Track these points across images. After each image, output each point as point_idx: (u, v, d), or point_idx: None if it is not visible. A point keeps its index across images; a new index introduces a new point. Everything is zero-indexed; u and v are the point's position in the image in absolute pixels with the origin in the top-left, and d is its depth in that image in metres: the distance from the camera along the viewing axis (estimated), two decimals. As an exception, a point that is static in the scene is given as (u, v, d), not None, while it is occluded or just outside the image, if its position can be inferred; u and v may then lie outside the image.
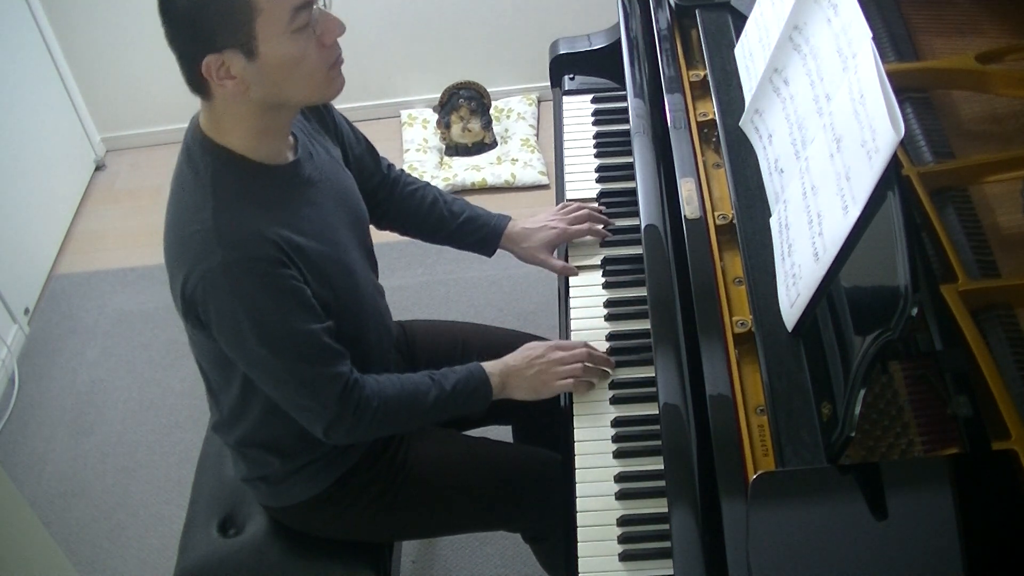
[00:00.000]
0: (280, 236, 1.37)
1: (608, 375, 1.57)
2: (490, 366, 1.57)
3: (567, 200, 1.86)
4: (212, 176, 1.37)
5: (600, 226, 1.78)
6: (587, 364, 1.56)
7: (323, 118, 1.60)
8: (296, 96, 1.38)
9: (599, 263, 1.74)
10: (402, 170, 1.80)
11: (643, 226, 1.58)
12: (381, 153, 1.77)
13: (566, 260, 1.77)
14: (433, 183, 3.13)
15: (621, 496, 1.43)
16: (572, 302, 1.70)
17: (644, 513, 1.40)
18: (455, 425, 1.80)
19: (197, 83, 1.34)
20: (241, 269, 1.34)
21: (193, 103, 1.41)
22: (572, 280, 1.73)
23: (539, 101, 3.46)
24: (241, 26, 1.27)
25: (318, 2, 1.33)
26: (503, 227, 1.78)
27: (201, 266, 1.34)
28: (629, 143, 1.76)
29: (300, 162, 1.45)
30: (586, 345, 1.59)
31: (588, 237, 1.78)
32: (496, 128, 3.36)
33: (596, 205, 1.82)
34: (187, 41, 1.29)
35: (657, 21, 1.82)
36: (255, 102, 1.35)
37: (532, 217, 1.80)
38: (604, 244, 1.77)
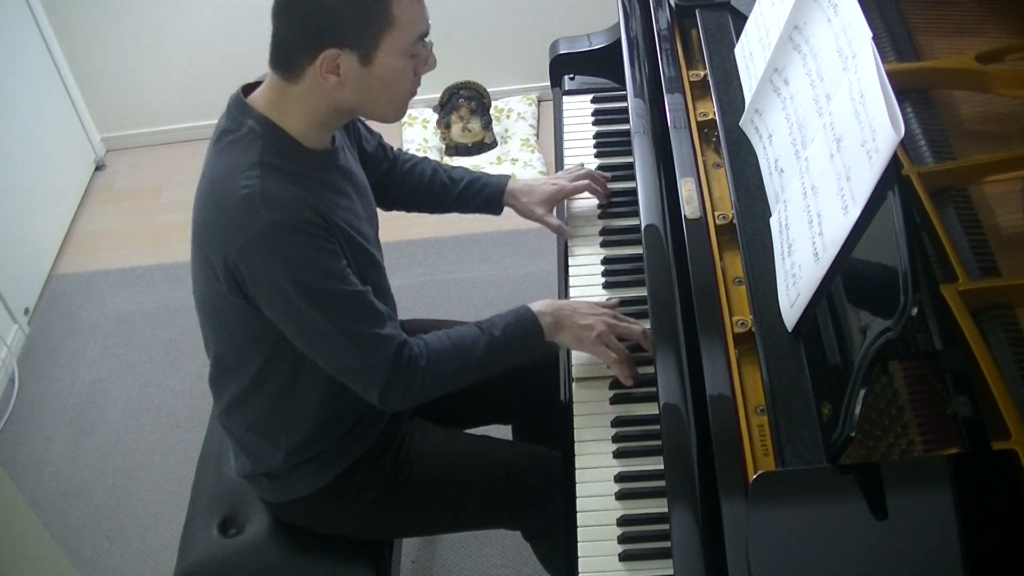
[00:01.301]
0: (322, 212, 1.39)
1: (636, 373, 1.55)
2: (541, 305, 1.56)
3: (567, 165, 1.90)
4: (262, 148, 1.39)
5: (600, 190, 1.82)
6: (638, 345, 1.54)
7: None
8: (372, 110, 1.44)
9: (599, 263, 1.74)
10: (399, 149, 1.83)
11: (643, 226, 1.58)
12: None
13: (566, 253, 1.77)
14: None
15: (621, 496, 1.43)
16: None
17: (644, 513, 1.40)
18: (457, 424, 1.80)
19: (294, 65, 1.36)
20: (290, 228, 1.35)
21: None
22: (572, 280, 1.73)
23: (539, 101, 3.46)
24: (372, 32, 1.33)
25: (429, 36, 1.41)
26: (504, 184, 1.81)
27: (247, 231, 1.35)
28: (629, 143, 1.76)
29: (338, 151, 1.49)
30: (644, 333, 1.55)
31: (585, 210, 1.81)
32: (496, 128, 3.36)
33: (598, 171, 1.86)
34: (315, 26, 1.32)
35: (657, 21, 1.82)
36: (333, 101, 1.39)
37: (533, 178, 1.85)
38: (604, 244, 1.78)
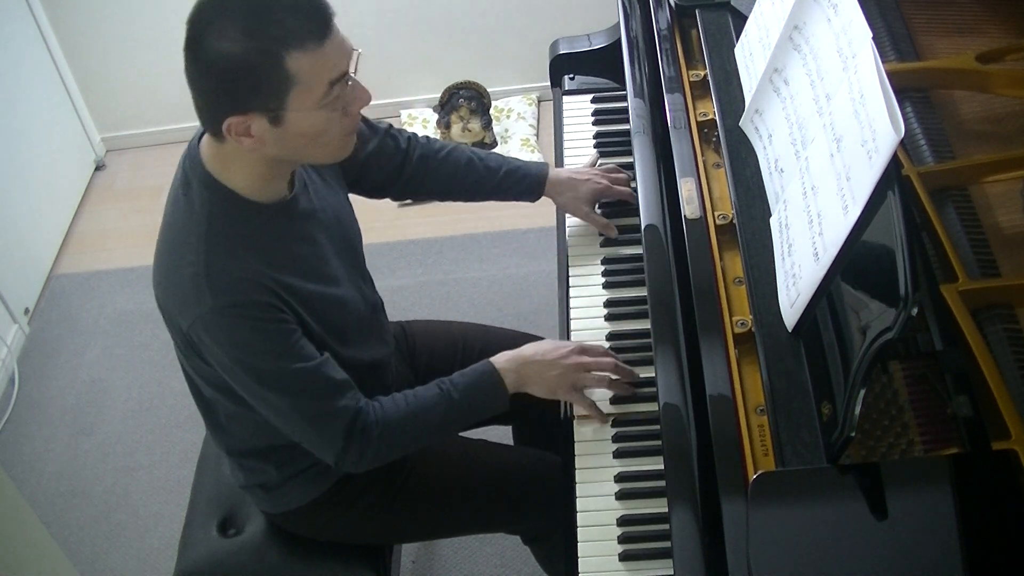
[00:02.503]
0: (273, 279, 1.36)
1: (631, 391, 1.53)
2: (504, 361, 1.52)
3: (601, 162, 1.86)
4: (208, 215, 1.34)
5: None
6: (612, 376, 1.52)
7: None
8: (307, 158, 1.39)
9: (599, 263, 1.74)
10: (426, 136, 1.76)
11: (643, 226, 1.58)
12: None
13: (567, 253, 1.76)
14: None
15: (621, 496, 1.43)
16: (572, 302, 1.69)
17: (644, 513, 1.40)
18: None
19: (212, 128, 1.31)
20: (233, 315, 1.33)
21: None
22: (572, 280, 1.73)
23: (539, 101, 3.46)
24: (274, 95, 1.24)
25: (351, 74, 1.30)
26: (546, 174, 1.76)
27: (193, 310, 1.33)
28: (629, 143, 1.76)
29: (296, 197, 1.43)
30: (609, 354, 1.54)
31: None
32: (496, 128, 3.36)
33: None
34: (215, 95, 1.26)
35: (657, 21, 1.82)
36: (263, 157, 1.33)
37: (574, 169, 1.79)
38: (604, 244, 1.77)
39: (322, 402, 1.41)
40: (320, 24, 1.24)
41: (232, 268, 1.33)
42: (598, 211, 1.78)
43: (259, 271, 1.35)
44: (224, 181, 1.36)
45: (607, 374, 1.52)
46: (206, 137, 1.37)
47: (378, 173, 1.68)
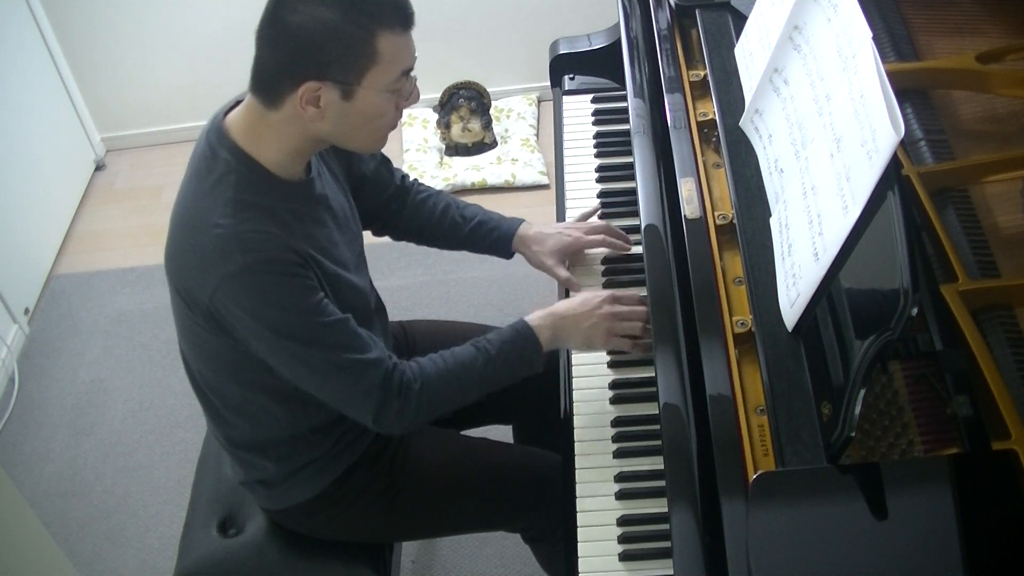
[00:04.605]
0: (299, 247, 1.38)
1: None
2: (537, 319, 1.53)
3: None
4: (235, 183, 1.36)
5: (617, 242, 1.73)
6: (647, 325, 1.52)
7: None
8: (351, 143, 1.41)
9: (599, 263, 1.74)
10: (415, 180, 1.79)
11: (643, 226, 1.58)
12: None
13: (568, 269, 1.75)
14: (433, 183, 3.15)
15: (621, 496, 1.43)
16: (572, 302, 1.69)
17: (644, 513, 1.41)
18: (454, 425, 1.80)
19: (274, 93, 1.32)
20: (263, 270, 1.34)
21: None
22: (572, 280, 1.73)
23: (539, 101, 3.46)
24: (355, 68, 1.29)
25: (414, 71, 1.36)
26: (515, 229, 1.75)
27: (220, 271, 1.34)
28: (629, 143, 1.76)
29: (313, 181, 1.46)
30: (643, 302, 1.54)
31: (598, 250, 1.75)
32: (496, 128, 3.36)
33: (615, 227, 1.76)
34: (297, 58, 1.29)
35: (657, 21, 1.82)
36: (311, 132, 1.36)
37: (549, 224, 1.78)
38: (604, 244, 1.77)
39: (355, 353, 1.41)
40: (408, 15, 1.32)
41: (261, 229, 1.35)
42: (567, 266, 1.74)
43: (284, 237, 1.37)
44: (252, 152, 1.38)
45: (640, 323, 1.53)
46: (241, 109, 1.39)
47: (367, 199, 1.69)
